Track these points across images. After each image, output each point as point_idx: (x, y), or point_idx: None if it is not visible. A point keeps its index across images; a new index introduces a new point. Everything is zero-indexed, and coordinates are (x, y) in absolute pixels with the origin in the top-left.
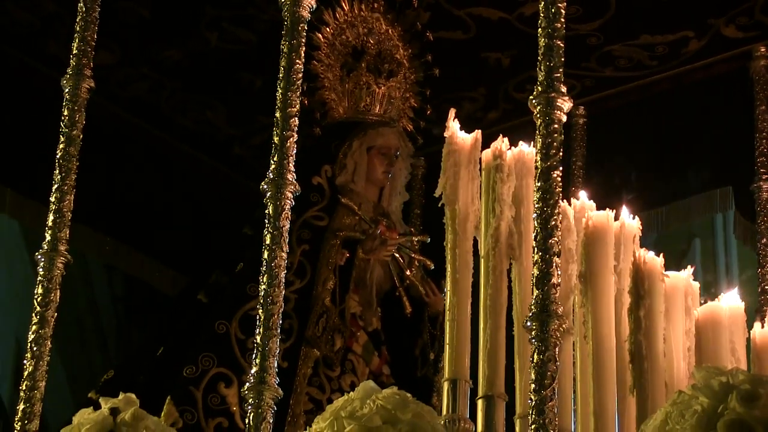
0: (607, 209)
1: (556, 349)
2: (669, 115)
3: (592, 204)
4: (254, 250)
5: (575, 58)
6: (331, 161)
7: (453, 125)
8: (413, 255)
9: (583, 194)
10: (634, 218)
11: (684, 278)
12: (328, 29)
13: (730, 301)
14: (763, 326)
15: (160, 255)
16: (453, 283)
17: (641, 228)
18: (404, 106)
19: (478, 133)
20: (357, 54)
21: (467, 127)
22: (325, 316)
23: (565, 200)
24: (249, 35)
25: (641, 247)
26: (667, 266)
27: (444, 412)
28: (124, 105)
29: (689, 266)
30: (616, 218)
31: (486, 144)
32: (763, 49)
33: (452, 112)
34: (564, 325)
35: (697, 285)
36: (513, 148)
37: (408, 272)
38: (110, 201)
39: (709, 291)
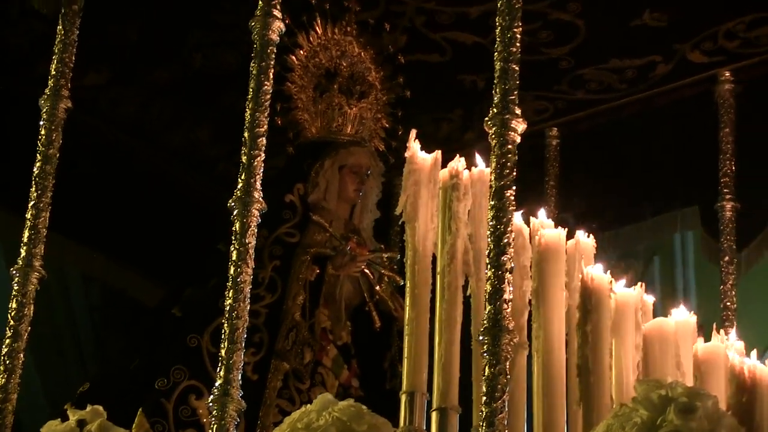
0: (559, 228)
1: (507, 363)
2: (638, 136)
3: (549, 222)
4: (227, 266)
5: (547, 81)
6: (304, 179)
7: (414, 146)
8: (383, 271)
9: (541, 212)
10: (589, 236)
11: (634, 295)
12: (301, 52)
13: (679, 316)
14: (705, 341)
15: (142, 266)
16: (411, 299)
17: (608, 245)
18: (376, 126)
19: (437, 153)
20: (330, 76)
21: (446, 146)
22: (294, 330)
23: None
24: (232, 57)
25: (604, 264)
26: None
27: (401, 424)
28: (112, 124)
29: (640, 283)
30: (569, 236)
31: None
32: (727, 74)
33: (413, 133)
34: (516, 340)
35: (651, 300)
36: (474, 167)
37: (378, 288)
38: (96, 214)
39: (668, 307)
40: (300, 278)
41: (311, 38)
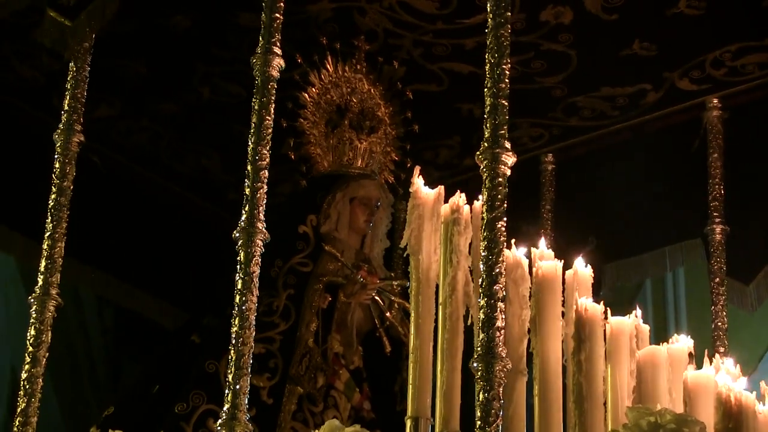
0: (556, 260)
1: (501, 389)
2: (631, 162)
3: (549, 252)
4: None
5: (542, 109)
6: (316, 211)
7: (417, 181)
8: (393, 298)
9: (542, 242)
10: (586, 266)
11: (629, 322)
12: (313, 89)
13: (673, 344)
14: (696, 368)
15: (154, 289)
16: (416, 327)
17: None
18: (385, 159)
19: (441, 189)
20: (341, 112)
21: (446, 172)
22: (308, 356)
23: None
24: (238, 89)
25: (600, 291)
26: (619, 307)
27: None
28: (125, 154)
29: (635, 311)
30: (566, 267)
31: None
32: (715, 101)
33: (417, 170)
34: (509, 366)
35: (647, 328)
36: (476, 201)
37: (388, 314)
38: (111, 240)
39: (660, 331)
40: (313, 306)
41: (323, 76)
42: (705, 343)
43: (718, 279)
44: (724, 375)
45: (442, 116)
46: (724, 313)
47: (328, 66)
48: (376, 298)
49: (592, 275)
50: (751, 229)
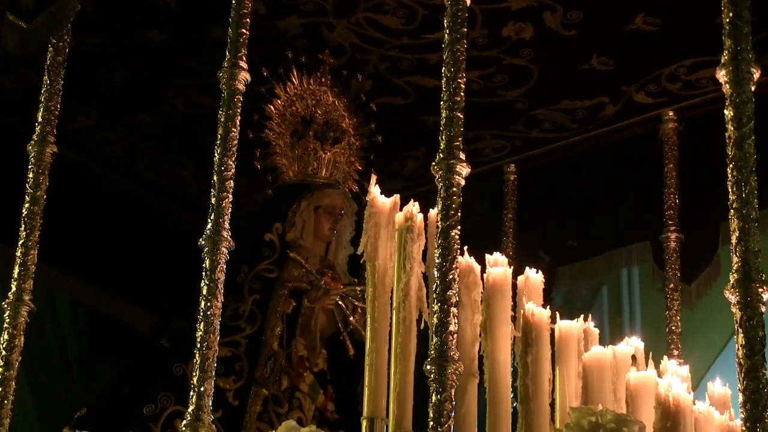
0: (506, 266)
1: (453, 391)
2: (590, 172)
3: (503, 259)
4: None
5: (504, 121)
6: (282, 220)
7: (374, 190)
8: (357, 303)
9: (496, 252)
10: (537, 272)
11: (577, 326)
12: (279, 101)
13: (619, 346)
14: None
15: (130, 296)
16: (372, 331)
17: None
18: (349, 169)
19: (396, 197)
20: (306, 123)
21: (411, 182)
22: (273, 359)
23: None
24: (210, 101)
25: (554, 296)
26: (575, 313)
27: None
28: (101, 164)
29: (584, 315)
30: (518, 275)
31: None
32: (671, 113)
33: (374, 179)
34: (461, 369)
35: (596, 331)
36: (432, 209)
37: (352, 318)
38: (86, 246)
39: (615, 334)
40: (278, 311)
41: (288, 89)
42: (660, 347)
43: (672, 285)
44: (672, 377)
45: (408, 128)
46: (678, 318)
47: (294, 79)
48: (340, 303)
49: (543, 281)
50: (697, 234)
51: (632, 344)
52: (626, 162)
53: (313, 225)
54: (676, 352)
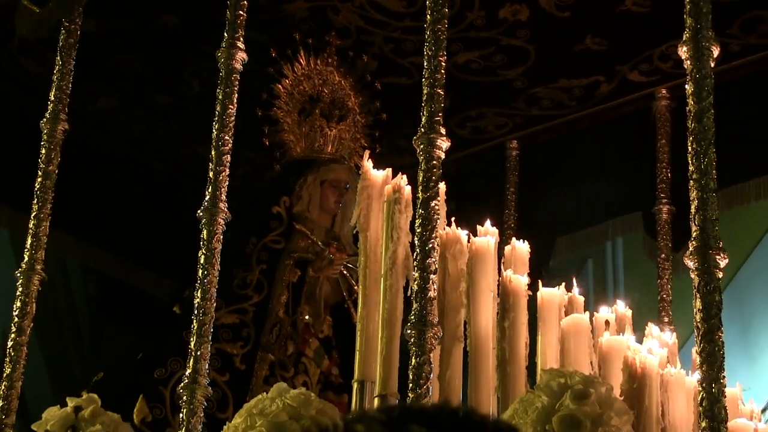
0: (489, 236)
1: (431, 354)
2: (588, 147)
3: (494, 230)
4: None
5: (506, 99)
6: (289, 193)
7: (367, 164)
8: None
9: (487, 222)
10: (523, 242)
11: (558, 293)
12: (287, 81)
13: (600, 312)
14: (611, 334)
15: (138, 259)
16: (363, 298)
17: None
18: (355, 145)
19: (388, 171)
20: (313, 101)
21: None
22: (278, 326)
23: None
24: None
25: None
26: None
27: (353, 408)
28: (125, 142)
29: (566, 283)
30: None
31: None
32: (663, 91)
33: (366, 154)
34: (440, 334)
35: (582, 299)
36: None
37: (356, 287)
38: (104, 216)
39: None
40: (284, 280)
41: (296, 69)
42: (641, 316)
43: (663, 255)
44: (652, 341)
45: (413, 107)
46: (669, 286)
47: (301, 59)
48: (344, 272)
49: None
50: (687, 207)
51: (619, 310)
52: (621, 138)
53: (319, 198)
54: (666, 319)
